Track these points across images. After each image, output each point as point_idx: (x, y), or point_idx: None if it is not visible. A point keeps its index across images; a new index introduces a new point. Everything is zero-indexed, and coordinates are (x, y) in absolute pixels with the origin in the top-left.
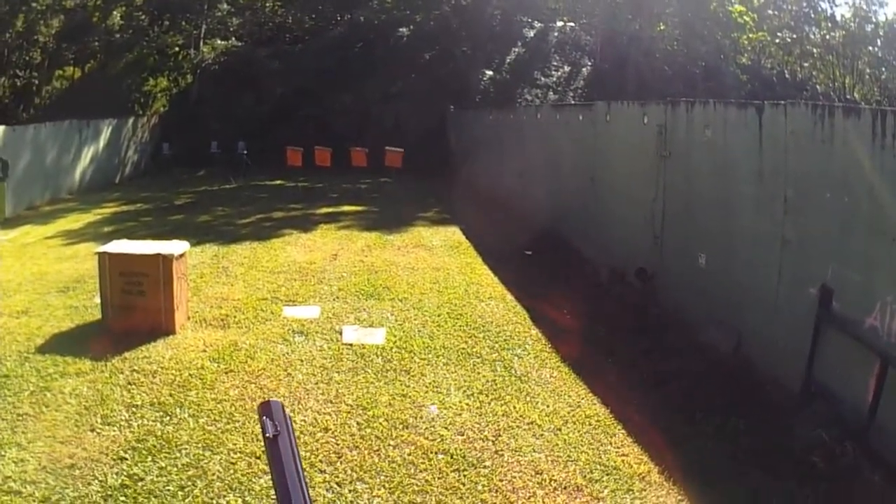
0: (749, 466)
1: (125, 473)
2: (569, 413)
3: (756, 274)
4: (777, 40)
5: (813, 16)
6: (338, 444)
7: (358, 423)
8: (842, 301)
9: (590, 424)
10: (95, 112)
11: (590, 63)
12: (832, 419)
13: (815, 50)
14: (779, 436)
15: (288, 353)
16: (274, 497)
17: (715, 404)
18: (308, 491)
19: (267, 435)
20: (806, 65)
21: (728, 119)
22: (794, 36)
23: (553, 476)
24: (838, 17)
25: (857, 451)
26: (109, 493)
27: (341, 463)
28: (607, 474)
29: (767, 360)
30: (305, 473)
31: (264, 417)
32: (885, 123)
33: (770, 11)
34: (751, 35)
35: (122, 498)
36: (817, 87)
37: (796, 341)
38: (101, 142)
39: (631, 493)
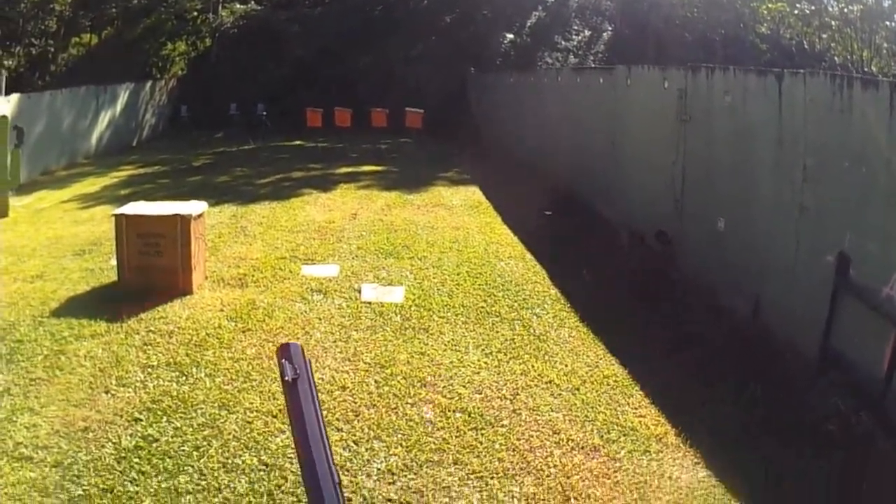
0: (764, 433)
1: (139, 435)
2: (587, 373)
3: (774, 240)
4: (796, 11)
5: None
6: (355, 403)
7: (376, 382)
8: (859, 270)
9: (607, 385)
10: (113, 78)
11: (610, 28)
12: (848, 388)
13: (833, 22)
14: (795, 403)
15: (306, 312)
16: (293, 450)
17: (732, 369)
18: (327, 436)
19: (286, 378)
20: (824, 36)
21: (748, 86)
22: (813, 7)
23: (570, 436)
24: None
25: (872, 419)
26: (123, 455)
27: (359, 421)
28: (624, 435)
29: (785, 326)
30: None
31: (283, 360)
32: None
33: None
34: (770, 5)
35: (136, 459)
36: (835, 58)
37: (813, 309)
38: (119, 106)
39: (648, 454)
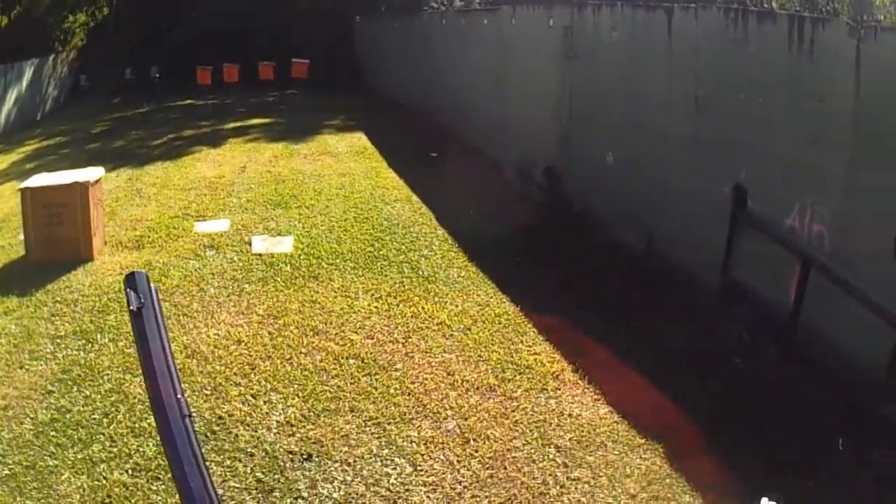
0: (669, 367)
1: (53, 407)
2: (478, 312)
3: (667, 173)
4: None
5: None
6: (251, 356)
7: (270, 333)
8: (758, 202)
9: (499, 323)
10: (23, 56)
11: None
12: (753, 320)
13: None
14: (696, 336)
15: (200, 269)
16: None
17: (629, 304)
18: (175, 365)
19: (131, 308)
20: None
21: (636, 21)
22: None
23: (465, 376)
24: None
25: (779, 351)
26: (41, 429)
27: (255, 374)
28: (520, 373)
29: (682, 259)
30: (172, 347)
31: (128, 289)
32: (803, 29)
33: None
34: None
35: (53, 433)
36: None
37: (712, 241)
38: (24, 82)
39: (545, 392)
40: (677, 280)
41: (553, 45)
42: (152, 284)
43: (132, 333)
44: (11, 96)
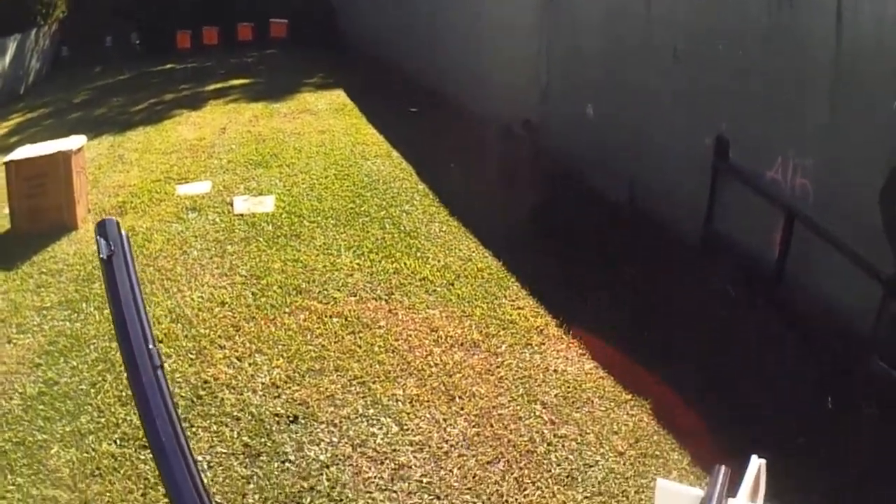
0: (654, 319)
1: (41, 380)
2: (460, 267)
3: (647, 124)
4: None
5: None
6: (235, 318)
7: (253, 294)
8: (740, 154)
9: (482, 278)
10: (7, 32)
11: None
12: (737, 272)
13: None
14: (679, 287)
15: (182, 231)
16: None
17: (613, 255)
18: (147, 315)
19: (101, 256)
20: None
21: None
22: None
23: (449, 332)
24: None
25: (765, 303)
26: (29, 403)
27: (239, 336)
28: (504, 329)
29: (664, 211)
30: (158, 312)
31: (98, 238)
32: None
33: None
34: None
35: (41, 406)
36: None
37: (693, 193)
38: (8, 57)
39: (529, 347)
40: (660, 231)
41: None
42: (123, 232)
43: (102, 282)
44: None
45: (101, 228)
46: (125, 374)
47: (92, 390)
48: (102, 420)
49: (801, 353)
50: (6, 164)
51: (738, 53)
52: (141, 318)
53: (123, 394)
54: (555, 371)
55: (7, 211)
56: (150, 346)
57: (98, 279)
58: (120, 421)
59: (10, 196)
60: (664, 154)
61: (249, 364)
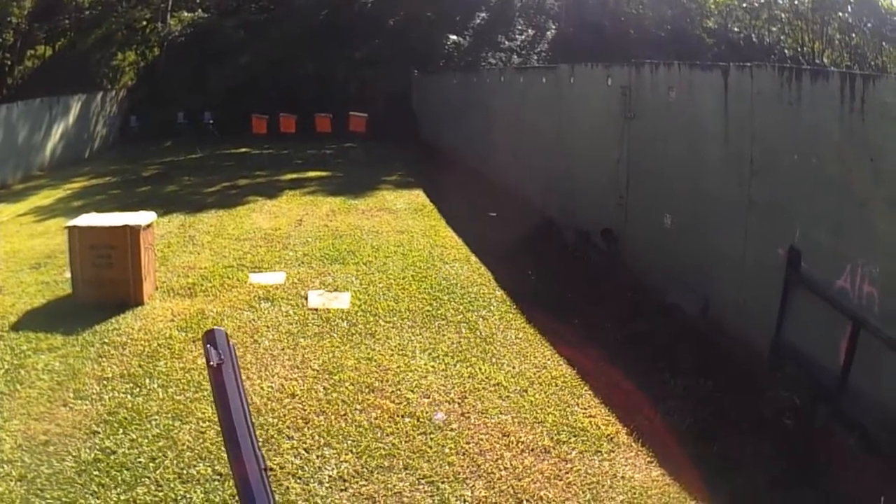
0: (719, 429)
1: (98, 447)
2: (535, 374)
3: (723, 235)
4: (744, 4)
5: None
6: (305, 410)
7: (324, 388)
8: (811, 263)
9: (556, 386)
10: (67, 89)
11: (554, 27)
12: (803, 382)
13: (783, 15)
14: (748, 398)
15: (254, 320)
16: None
17: (684, 366)
18: (251, 420)
19: (211, 363)
20: (774, 29)
21: (693, 81)
22: (762, 0)
23: (520, 438)
24: None
25: (829, 414)
26: (83, 468)
27: (308, 428)
28: (575, 436)
29: (736, 321)
30: (251, 407)
31: (208, 346)
32: (854, 87)
33: None
34: None
35: (96, 472)
36: (785, 51)
37: (765, 303)
38: (71, 118)
39: (599, 454)
40: (732, 342)
41: (611, 105)
42: (231, 342)
43: (210, 388)
44: (58, 131)
45: (210, 337)
46: (188, 456)
47: (151, 464)
48: (160, 494)
49: (862, 465)
50: (69, 228)
51: (812, 163)
52: (247, 423)
53: (184, 472)
54: (622, 478)
55: (68, 276)
56: (256, 450)
57: (163, 357)
58: (178, 497)
59: (73, 262)
60: (738, 264)
61: (317, 456)
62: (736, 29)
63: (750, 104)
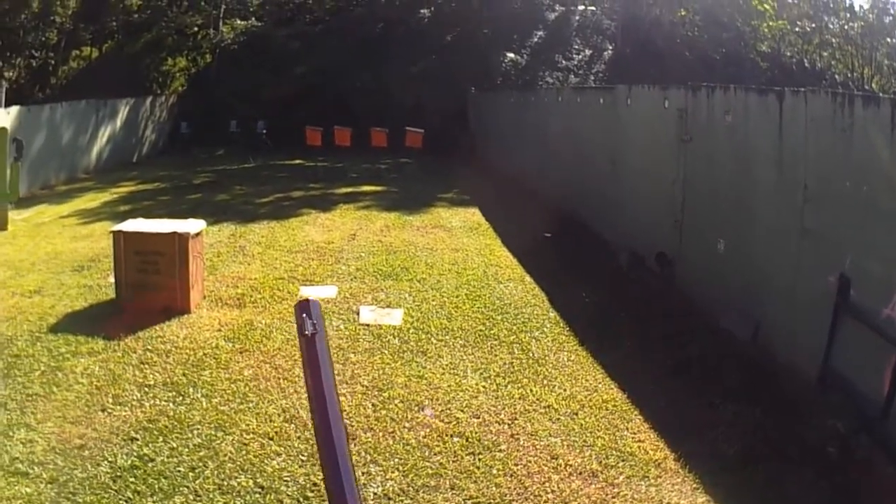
0: (765, 455)
1: (135, 454)
2: (586, 397)
3: (774, 261)
4: (797, 29)
5: (832, 6)
6: (352, 426)
7: (373, 405)
8: (860, 291)
9: (606, 409)
10: (113, 92)
11: (611, 47)
12: (848, 410)
13: (833, 40)
14: (795, 425)
15: None
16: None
17: (732, 391)
18: (338, 394)
19: (306, 332)
20: (825, 54)
21: (749, 105)
22: (813, 25)
23: (568, 461)
24: (857, 8)
25: (871, 442)
26: (119, 474)
27: (355, 445)
28: (623, 460)
29: (785, 348)
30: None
31: (303, 315)
32: None
33: (790, 0)
34: (771, 23)
35: (132, 479)
36: (836, 76)
37: (814, 330)
38: (119, 121)
39: (646, 479)
40: (781, 369)
41: (668, 127)
42: (321, 316)
43: (301, 357)
44: (104, 134)
45: (305, 308)
46: (230, 468)
47: (191, 474)
48: None
49: None
50: (114, 233)
51: (863, 190)
52: (334, 395)
53: (225, 483)
54: None
55: (112, 280)
56: (340, 419)
57: (209, 367)
58: None
59: (118, 267)
60: (789, 291)
61: (363, 473)
62: (788, 53)
63: (804, 130)
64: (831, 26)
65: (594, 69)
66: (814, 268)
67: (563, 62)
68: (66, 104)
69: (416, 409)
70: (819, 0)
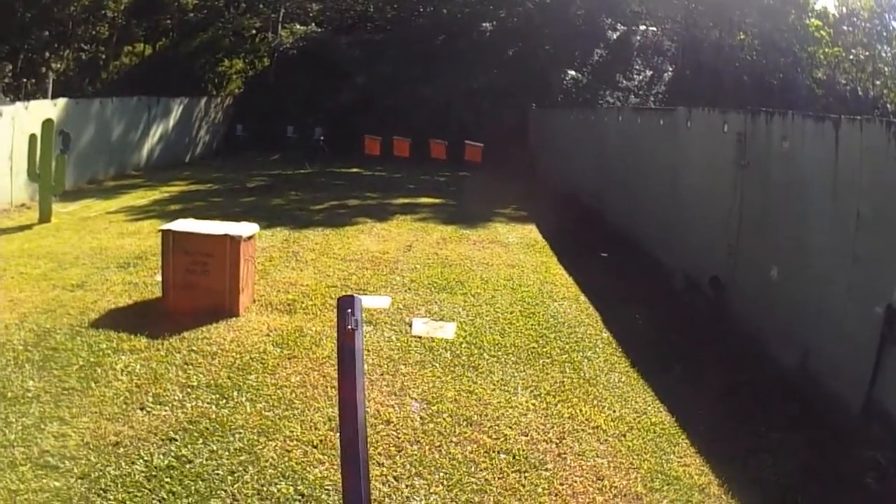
0: (805, 483)
1: (173, 454)
2: (634, 419)
3: (825, 289)
4: (851, 56)
5: (885, 34)
6: (399, 438)
7: (421, 418)
8: None
9: (654, 432)
10: (166, 90)
11: (671, 69)
12: (889, 441)
13: (886, 68)
14: (837, 455)
15: None
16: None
17: (778, 418)
18: (364, 392)
19: (349, 327)
20: (878, 83)
21: (806, 131)
22: (867, 53)
23: (614, 482)
24: None
25: None
26: (154, 473)
27: (401, 457)
28: (668, 484)
29: (832, 377)
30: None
31: (348, 310)
32: None
33: (845, 27)
34: (826, 50)
35: (168, 479)
36: (888, 105)
37: (861, 360)
38: (172, 120)
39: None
40: (827, 398)
41: (726, 151)
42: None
43: (338, 350)
44: (156, 132)
45: (349, 303)
46: (270, 473)
47: (229, 478)
48: None
49: None
50: (163, 231)
51: None
52: (363, 388)
53: (264, 489)
54: None
55: (160, 279)
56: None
57: (255, 371)
58: None
59: (165, 266)
60: (838, 320)
61: (406, 486)
62: (843, 81)
63: (858, 158)
64: (884, 55)
65: (654, 90)
66: (863, 297)
67: (624, 82)
68: (117, 99)
69: (465, 423)
70: (873, 28)
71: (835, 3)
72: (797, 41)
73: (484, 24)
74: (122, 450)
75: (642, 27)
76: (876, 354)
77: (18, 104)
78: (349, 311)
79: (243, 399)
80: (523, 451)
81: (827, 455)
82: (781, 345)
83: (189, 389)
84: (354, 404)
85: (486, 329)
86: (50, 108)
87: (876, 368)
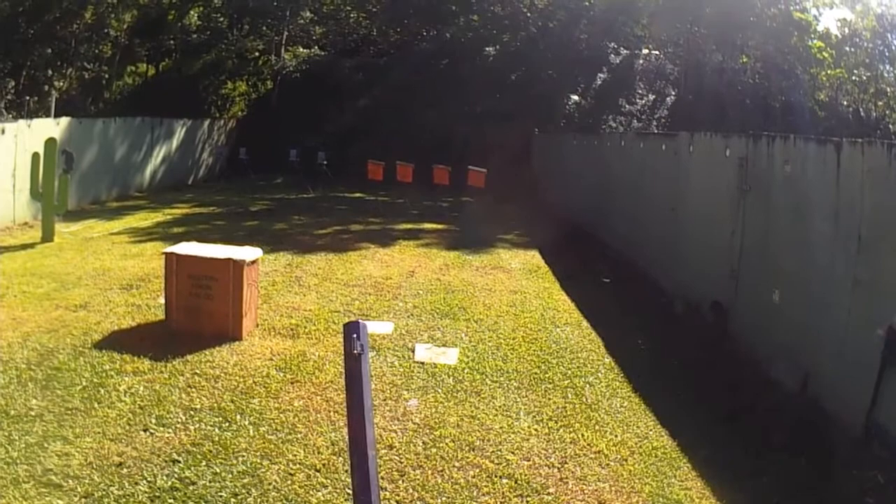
0: None
1: (176, 476)
2: (636, 444)
3: (827, 313)
4: (854, 77)
5: (887, 54)
6: (401, 463)
7: (424, 443)
8: None
9: (656, 456)
10: (169, 111)
11: (674, 93)
12: (890, 461)
13: (888, 88)
14: (838, 477)
15: None
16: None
17: (779, 442)
18: (372, 413)
19: (354, 351)
20: (880, 103)
21: (808, 154)
22: (869, 74)
23: None
24: None
25: None
26: (157, 494)
27: (403, 481)
28: None
29: (833, 399)
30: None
31: (353, 335)
32: None
33: (847, 48)
34: (829, 71)
35: (171, 500)
36: (890, 126)
37: (861, 383)
38: (175, 142)
39: None
40: (828, 419)
41: (728, 176)
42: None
43: (346, 374)
44: (159, 153)
45: (355, 329)
46: (273, 496)
47: (233, 500)
48: None
49: None
50: (166, 254)
51: None
52: (370, 411)
53: None
54: None
55: (163, 301)
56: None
57: (258, 395)
58: None
59: (169, 289)
60: (840, 342)
61: None
62: (845, 102)
63: (860, 180)
64: (886, 75)
65: (657, 114)
66: (864, 319)
67: (627, 106)
68: (120, 120)
69: (468, 448)
70: (875, 48)
71: (837, 24)
72: (800, 63)
73: (487, 49)
74: (125, 470)
75: (645, 51)
76: (877, 376)
77: (21, 122)
78: (355, 335)
79: (246, 422)
80: (525, 475)
81: (827, 477)
82: (783, 368)
83: (192, 412)
84: (363, 428)
85: (488, 354)
86: (53, 127)
87: (877, 390)
